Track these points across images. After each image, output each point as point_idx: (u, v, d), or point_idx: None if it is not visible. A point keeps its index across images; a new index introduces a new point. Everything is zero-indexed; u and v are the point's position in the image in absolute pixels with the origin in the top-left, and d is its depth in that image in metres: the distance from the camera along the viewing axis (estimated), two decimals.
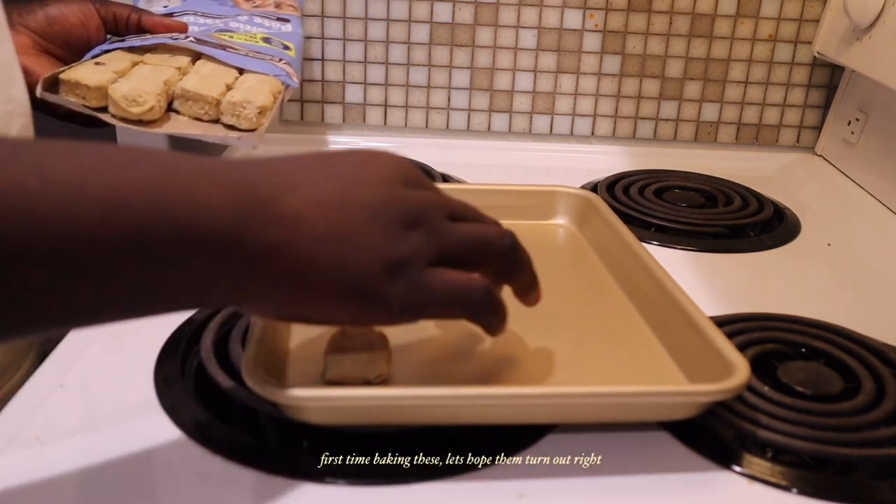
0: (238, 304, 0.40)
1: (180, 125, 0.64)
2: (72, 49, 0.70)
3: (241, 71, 0.70)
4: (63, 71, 0.64)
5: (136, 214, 0.33)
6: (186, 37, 0.72)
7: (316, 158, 0.41)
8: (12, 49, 0.60)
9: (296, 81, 0.71)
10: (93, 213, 0.32)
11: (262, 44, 0.75)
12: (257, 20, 0.79)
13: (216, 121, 0.65)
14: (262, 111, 0.64)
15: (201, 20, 0.78)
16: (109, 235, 0.32)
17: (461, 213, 0.43)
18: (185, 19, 0.78)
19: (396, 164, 0.42)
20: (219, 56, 0.70)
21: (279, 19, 0.80)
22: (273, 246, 0.36)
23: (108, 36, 0.74)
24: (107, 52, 0.70)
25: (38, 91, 0.61)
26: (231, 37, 0.75)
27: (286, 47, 0.75)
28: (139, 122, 0.63)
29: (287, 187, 0.37)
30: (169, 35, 0.72)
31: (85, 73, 0.64)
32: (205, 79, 0.67)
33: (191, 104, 0.64)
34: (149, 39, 0.72)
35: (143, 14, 0.73)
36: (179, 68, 0.68)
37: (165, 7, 0.81)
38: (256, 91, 0.66)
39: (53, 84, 0.63)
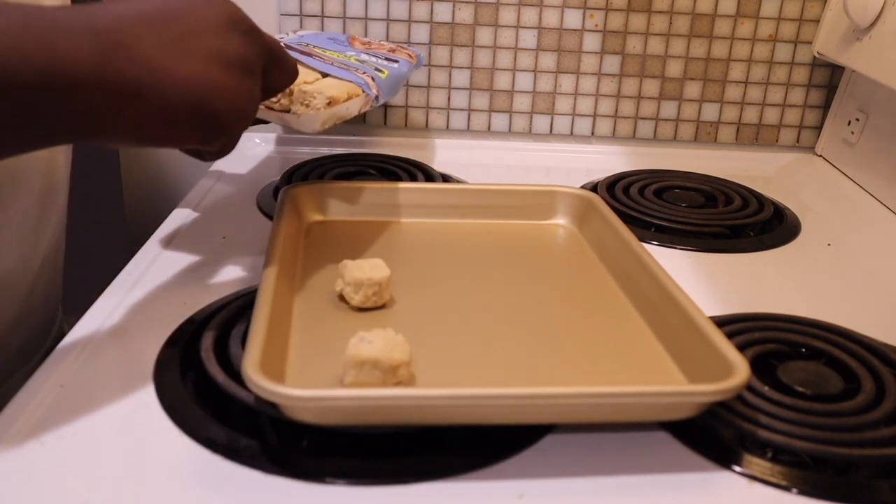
0: (100, 138, 0.42)
1: None
2: None
3: (323, 75, 0.70)
4: None
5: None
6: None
7: (152, 5, 0.44)
8: None
9: (374, 93, 0.70)
10: None
11: (352, 61, 0.75)
12: (364, 57, 0.79)
13: (287, 111, 0.65)
14: (330, 102, 0.64)
15: (308, 49, 0.79)
16: None
17: (276, 63, 0.51)
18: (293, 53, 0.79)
19: (227, 12, 0.46)
20: (303, 60, 0.70)
21: (388, 59, 0.81)
22: (134, 85, 0.41)
23: None
24: None
25: None
26: (324, 51, 0.75)
27: (378, 70, 0.75)
28: None
29: (135, 35, 0.41)
30: None
31: None
32: None
33: None
34: None
35: None
36: None
37: (281, 38, 0.82)
38: (331, 86, 0.66)
39: None
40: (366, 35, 0.97)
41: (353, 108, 0.68)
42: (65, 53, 0.38)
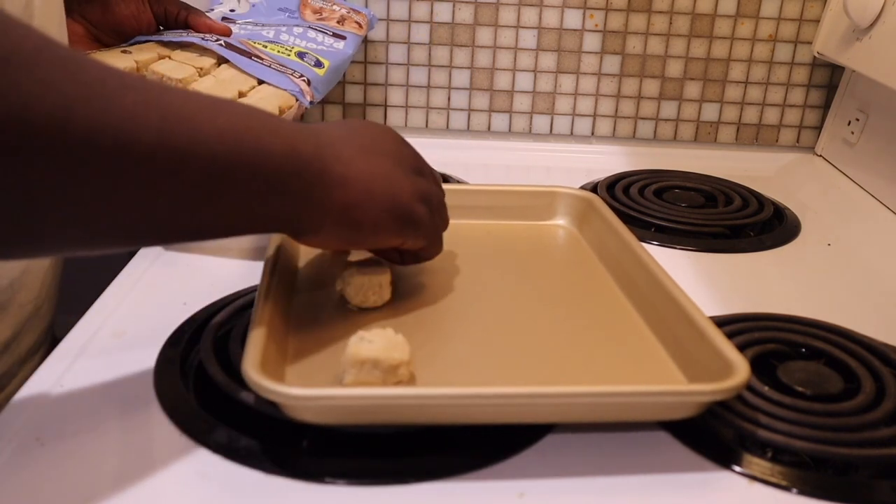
0: (313, 226, 0.47)
1: None
2: (123, 40, 0.72)
3: (260, 81, 0.70)
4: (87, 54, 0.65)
5: (246, 151, 0.42)
6: (216, 40, 0.73)
7: (339, 126, 0.52)
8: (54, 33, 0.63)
9: (308, 100, 0.71)
10: (216, 143, 0.40)
11: (293, 58, 0.75)
12: (311, 34, 0.80)
13: None
14: None
15: (256, 29, 0.79)
16: (227, 163, 0.41)
17: (437, 207, 0.56)
18: (241, 25, 0.79)
19: (391, 133, 0.55)
20: (240, 64, 0.71)
21: (335, 35, 0.81)
22: (342, 178, 0.47)
23: (162, 30, 0.76)
24: (141, 42, 0.71)
25: None
26: (265, 46, 0.76)
27: (318, 63, 0.76)
28: None
29: (334, 139, 0.49)
30: (201, 35, 0.73)
31: (106, 57, 0.65)
32: (220, 83, 0.68)
33: None
34: (182, 37, 0.73)
35: (191, 12, 0.76)
36: (201, 69, 0.69)
37: (232, 11, 0.83)
38: (264, 103, 0.66)
39: None
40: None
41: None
42: (295, 144, 0.45)
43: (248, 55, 0.72)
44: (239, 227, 0.45)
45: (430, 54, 0.98)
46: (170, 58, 0.70)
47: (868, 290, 0.68)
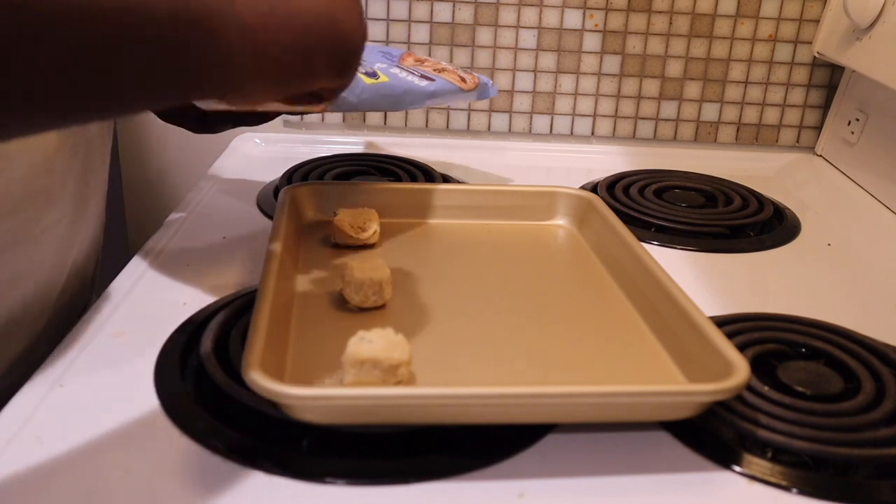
0: (232, 90, 0.41)
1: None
2: None
3: None
4: None
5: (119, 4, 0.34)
6: None
7: None
8: None
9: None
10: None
11: None
12: (393, 70, 0.73)
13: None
14: None
15: None
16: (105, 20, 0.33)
17: None
18: None
19: None
20: None
21: (423, 76, 0.73)
22: (261, 11, 0.40)
23: None
24: None
25: None
26: None
27: (372, 74, 0.70)
28: None
29: None
30: None
31: None
32: None
33: None
34: None
35: None
36: None
37: None
38: None
39: None
40: None
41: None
42: None
43: None
44: (142, 95, 0.38)
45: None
46: None
47: (868, 290, 0.68)
